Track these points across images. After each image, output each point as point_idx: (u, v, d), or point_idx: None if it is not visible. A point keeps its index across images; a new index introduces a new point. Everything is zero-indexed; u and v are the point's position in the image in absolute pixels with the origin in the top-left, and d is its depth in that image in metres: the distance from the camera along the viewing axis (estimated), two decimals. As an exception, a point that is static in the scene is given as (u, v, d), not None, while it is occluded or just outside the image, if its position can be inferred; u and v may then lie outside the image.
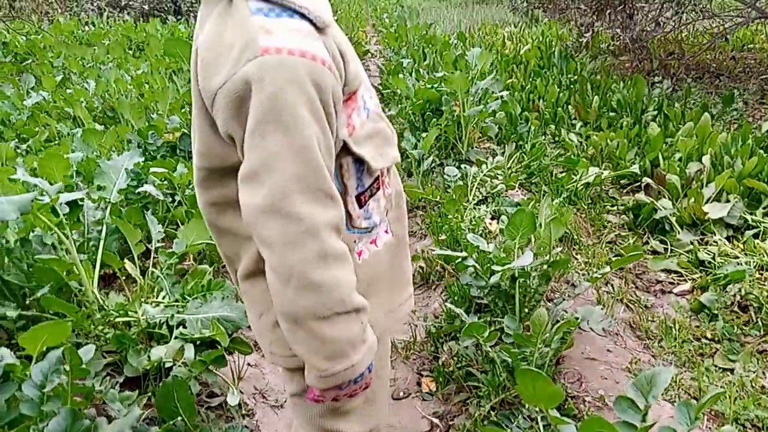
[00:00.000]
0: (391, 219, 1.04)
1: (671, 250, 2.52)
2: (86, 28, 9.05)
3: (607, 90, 4.62)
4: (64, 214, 1.69)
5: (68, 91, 4.60)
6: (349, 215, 0.94)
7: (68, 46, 6.72)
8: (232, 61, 0.79)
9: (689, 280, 2.33)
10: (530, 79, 5.10)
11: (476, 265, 1.77)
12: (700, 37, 6.49)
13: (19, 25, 7.96)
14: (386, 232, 1.03)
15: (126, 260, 1.86)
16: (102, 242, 1.81)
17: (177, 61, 5.10)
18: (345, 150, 0.90)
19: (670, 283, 2.35)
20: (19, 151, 3.42)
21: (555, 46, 6.44)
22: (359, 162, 0.93)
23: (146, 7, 13.27)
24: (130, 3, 13.24)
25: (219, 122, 0.83)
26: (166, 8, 13.47)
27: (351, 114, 0.90)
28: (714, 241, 2.48)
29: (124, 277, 1.93)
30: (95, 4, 11.76)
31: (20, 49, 6.90)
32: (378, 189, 0.98)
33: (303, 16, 0.82)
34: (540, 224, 1.88)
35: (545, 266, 1.75)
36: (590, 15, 6.08)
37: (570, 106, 4.32)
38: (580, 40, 6.18)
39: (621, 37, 5.61)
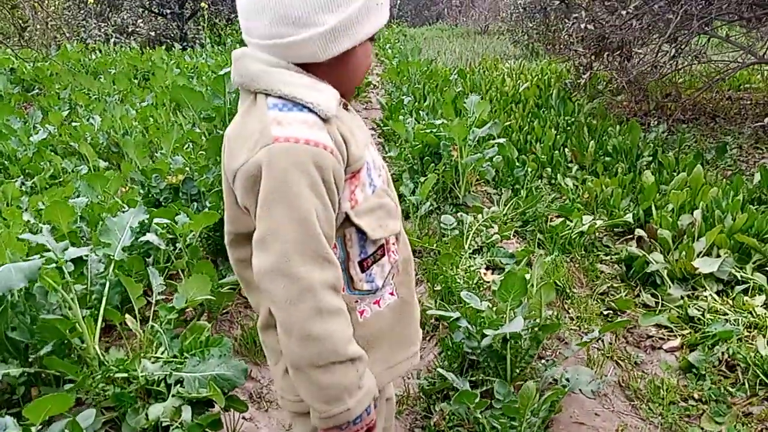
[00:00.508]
0: (396, 282, 1.16)
1: (662, 304, 2.56)
2: (93, 55, 9.18)
3: (603, 133, 4.70)
4: (69, 272, 1.73)
5: (74, 125, 4.69)
6: (351, 278, 1.08)
7: (75, 75, 6.84)
8: (249, 147, 0.96)
9: (679, 335, 2.37)
10: (528, 120, 5.19)
11: (468, 326, 1.82)
12: (696, 80, 6.60)
13: (27, 53, 8.09)
14: (391, 294, 1.15)
15: (127, 314, 1.91)
16: (104, 297, 1.85)
17: (185, 104, 5.20)
18: (347, 221, 1.05)
19: (660, 338, 2.39)
20: (24, 188, 3.49)
21: (554, 86, 6.56)
22: (361, 232, 1.06)
23: (153, 34, 13.49)
24: (137, 30, 13.45)
25: (238, 196, 1.01)
26: (172, 35, 13.68)
27: (354, 190, 1.04)
28: (704, 296, 2.52)
29: (125, 331, 1.97)
30: (102, 31, 11.94)
31: (27, 76, 7.02)
32: (382, 256, 1.11)
33: (310, 109, 0.99)
34: (531, 285, 1.93)
35: (536, 329, 1.79)
36: (588, 56, 6.20)
37: (566, 149, 4.40)
38: (578, 80, 6.28)
39: (618, 80, 5.71)
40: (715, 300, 2.49)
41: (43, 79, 6.90)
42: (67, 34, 10.54)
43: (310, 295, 0.94)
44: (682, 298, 2.54)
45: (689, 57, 5.86)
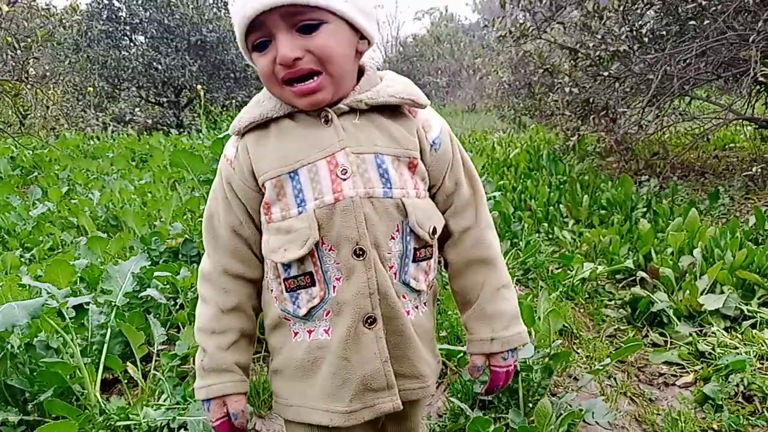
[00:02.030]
0: (334, 323, 1.06)
1: (671, 342, 2.53)
2: (91, 142, 9.39)
3: (596, 189, 4.77)
4: (70, 318, 1.71)
5: (73, 201, 4.73)
6: (276, 294, 1.10)
7: (74, 159, 6.97)
8: None
9: (691, 371, 2.33)
10: (521, 181, 5.28)
11: (478, 359, 1.78)
12: (682, 137, 6.78)
13: (27, 140, 8.27)
14: (326, 332, 1.07)
15: (128, 363, 1.86)
16: (105, 345, 1.82)
17: (179, 171, 5.29)
18: None
19: (673, 375, 2.34)
20: (23, 260, 3.48)
21: (543, 150, 6.71)
22: None
23: (149, 121, 13.86)
24: (134, 117, 13.83)
25: None
26: (168, 122, 14.07)
27: (269, 205, 1.07)
28: (712, 332, 2.49)
29: (126, 381, 1.92)
30: (100, 120, 12.26)
31: (27, 163, 7.14)
32: (310, 284, 1.06)
33: None
34: (539, 317, 1.91)
35: (547, 359, 1.76)
36: (575, 120, 6.39)
37: (561, 205, 4.45)
38: (567, 143, 6.44)
39: (606, 140, 5.86)
40: (724, 335, 2.46)
41: (42, 164, 7.03)
42: (66, 125, 10.81)
43: (198, 277, 1.17)
44: (690, 335, 2.50)
45: (672, 116, 6.06)
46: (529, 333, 1.83)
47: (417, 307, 1.14)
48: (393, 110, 1.11)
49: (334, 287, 1.05)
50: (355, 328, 1.05)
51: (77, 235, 3.99)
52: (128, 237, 3.63)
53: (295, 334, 1.09)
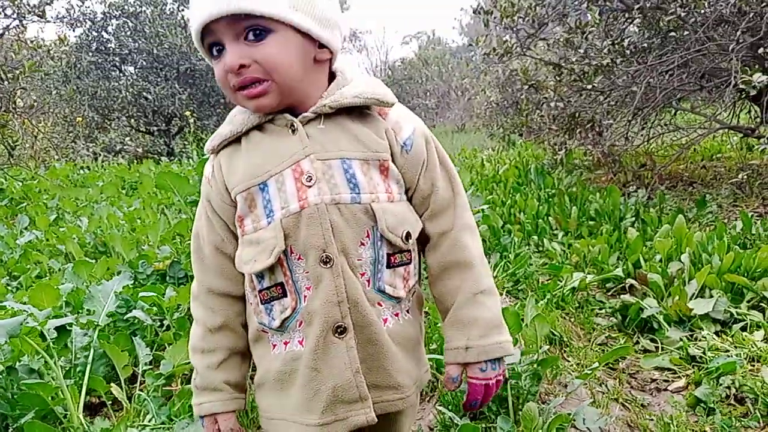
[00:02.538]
0: (306, 334, 1.05)
1: (662, 347, 2.52)
2: (81, 171, 9.38)
3: (584, 201, 4.79)
4: (51, 339, 1.69)
5: (61, 229, 4.71)
6: (254, 306, 1.11)
7: (63, 188, 6.95)
8: None
9: (683, 376, 2.31)
10: (510, 195, 5.30)
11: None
12: (669, 149, 6.83)
13: (16, 171, 8.25)
14: (300, 343, 1.06)
15: (113, 384, 1.84)
16: (89, 367, 1.80)
17: (169, 197, 5.28)
18: None
19: (665, 380, 2.33)
20: (9, 288, 3.44)
21: (531, 165, 6.74)
22: None
23: (140, 150, 13.87)
24: (125, 147, 13.84)
25: None
26: (159, 150, 14.08)
27: (242, 217, 1.09)
28: (703, 337, 2.48)
29: (110, 402, 1.89)
30: (90, 150, 12.27)
31: (16, 194, 7.11)
32: (282, 295, 1.06)
33: None
34: (525, 324, 1.90)
35: (535, 365, 1.74)
36: (562, 134, 6.43)
37: (550, 218, 4.46)
38: (555, 157, 6.48)
39: (593, 153, 5.90)
40: (715, 338, 2.45)
41: (31, 194, 7.00)
42: (56, 156, 10.80)
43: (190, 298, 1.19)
44: (681, 339, 2.50)
45: (658, 128, 6.11)
46: (516, 340, 1.82)
47: (397, 315, 1.11)
48: (360, 113, 1.10)
49: (305, 297, 1.04)
50: (324, 338, 1.03)
51: (65, 262, 3.96)
52: (116, 261, 3.60)
53: (273, 346, 1.10)
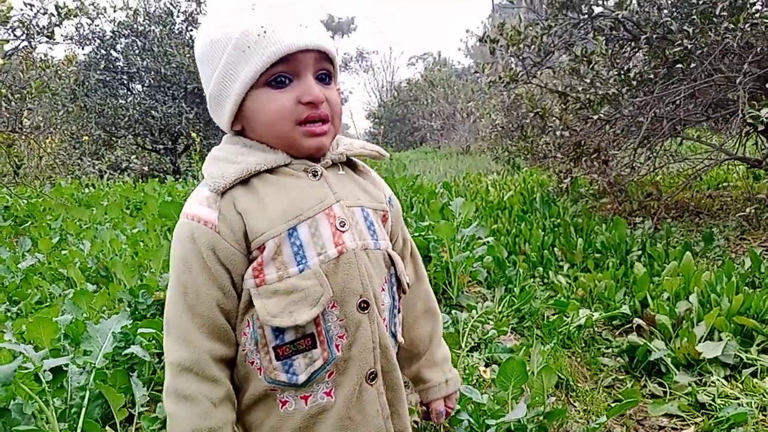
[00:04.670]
0: (338, 384, 1.01)
1: (670, 392, 2.46)
2: (86, 190, 9.39)
3: (590, 232, 4.75)
4: (47, 382, 1.65)
5: (63, 252, 4.68)
6: (263, 365, 1.00)
7: (67, 208, 6.94)
8: None
9: (692, 424, 2.26)
10: (515, 224, 5.26)
11: (470, 419, 1.72)
12: (675, 178, 6.80)
13: (21, 189, 8.26)
14: (327, 394, 1.02)
15: (107, 428, 1.80)
16: (84, 409, 1.76)
17: (173, 219, 5.26)
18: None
19: (673, 428, 2.27)
20: (9, 314, 3.41)
21: (537, 192, 6.72)
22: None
23: (146, 168, 13.92)
24: (131, 165, 13.90)
25: None
26: (165, 168, 14.13)
27: (262, 266, 0.99)
28: (712, 382, 2.43)
29: (104, 446, 1.85)
30: (96, 168, 12.31)
31: (20, 212, 7.11)
32: (310, 347, 0.99)
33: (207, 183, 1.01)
34: (532, 372, 1.85)
35: (541, 417, 1.70)
36: (567, 162, 6.42)
37: (556, 249, 4.42)
38: (560, 185, 6.45)
39: (599, 182, 5.87)
40: (724, 384, 2.39)
41: (35, 213, 6.99)
42: (62, 173, 10.84)
43: (169, 372, 0.98)
44: (689, 384, 2.44)
45: (665, 158, 6.09)
46: (521, 391, 1.78)
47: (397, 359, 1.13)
48: (355, 166, 1.13)
49: (338, 346, 1.00)
50: (359, 386, 1.01)
51: (66, 287, 3.93)
52: (117, 288, 3.57)
53: (283, 403, 1.02)
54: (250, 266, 0.99)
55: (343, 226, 1.01)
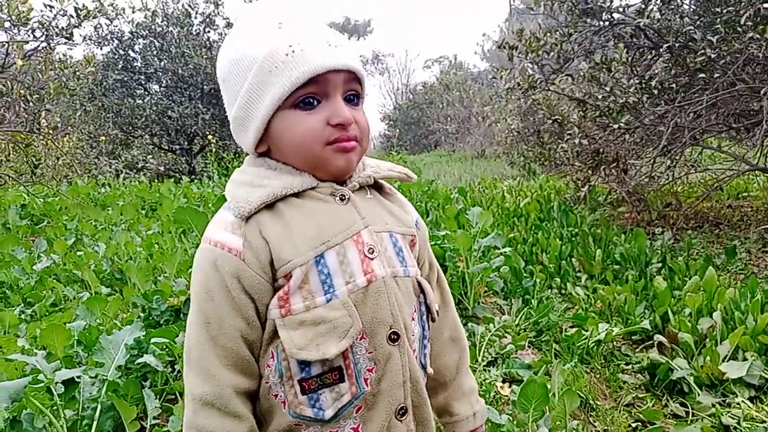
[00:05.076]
0: (365, 419, 0.96)
1: (693, 413, 2.40)
2: (102, 189, 9.43)
3: (609, 242, 4.68)
4: (58, 395, 1.63)
5: (79, 254, 4.69)
6: (287, 399, 0.94)
7: (83, 208, 6.97)
8: None
9: (716, 447, 2.19)
10: (532, 232, 5.20)
11: (488, 441, 1.68)
12: (695, 189, 6.70)
13: (38, 188, 8.32)
14: (355, 430, 0.96)
15: (119, 441, 1.77)
16: (95, 423, 1.73)
17: (188, 226, 5.25)
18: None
19: (697, 451, 2.21)
20: (23, 316, 3.41)
21: (554, 199, 6.64)
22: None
23: (162, 168, 13.99)
24: (147, 165, 13.97)
25: None
26: (180, 169, 14.18)
27: (288, 295, 0.93)
28: (737, 404, 2.36)
29: (115, 460, 1.82)
30: (113, 167, 12.38)
31: (37, 211, 7.15)
32: (337, 381, 0.93)
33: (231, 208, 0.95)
34: (553, 393, 1.80)
35: (561, 441, 1.65)
36: (585, 170, 6.34)
37: (573, 259, 4.35)
38: (578, 194, 6.37)
39: (618, 191, 5.79)
40: (750, 406, 2.33)
41: (51, 212, 7.03)
42: (79, 172, 10.91)
43: (190, 407, 0.92)
44: (713, 406, 2.38)
45: (684, 167, 5.99)
46: (542, 413, 1.73)
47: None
48: (381, 188, 1.08)
49: (366, 380, 0.94)
50: (389, 422, 0.96)
51: (81, 290, 3.93)
52: (131, 293, 3.56)
53: None
54: (275, 295, 0.93)
55: (371, 253, 0.96)
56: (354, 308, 0.93)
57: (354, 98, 0.98)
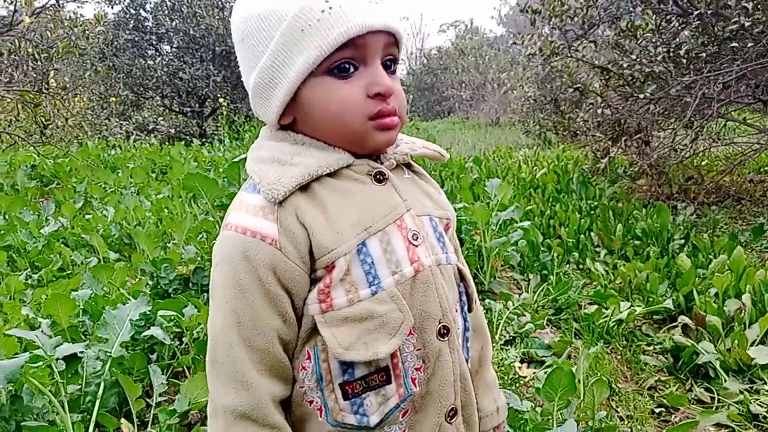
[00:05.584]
0: (412, 423, 0.86)
1: (719, 399, 2.30)
2: (113, 151, 9.35)
3: (629, 217, 4.54)
4: (59, 372, 1.55)
5: (87, 217, 4.63)
6: (327, 405, 0.83)
7: (93, 170, 6.89)
8: None
9: (744, 437, 2.10)
10: (549, 204, 5.06)
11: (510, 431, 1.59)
12: (717, 163, 6.51)
13: (48, 149, 8.24)
14: None
15: (123, 419, 1.70)
16: (98, 400, 1.66)
17: (198, 192, 5.16)
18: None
19: (723, 440, 2.12)
20: (30, 281, 3.36)
21: (572, 171, 6.49)
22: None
23: (172, 130, 13.89)
24: (157, 127, 13.87)
25: None
26: (191, 131, 14.07)
27: (330, 288, 0.82)
28: (766, 391, 2.26)
29: (120, 438, 1.76)
30: (123, 129, 12.29)
31: (47, 172, 7.08)
32: (384, 383, 0.83)
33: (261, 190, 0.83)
34: (578, 380, 1.70)
35: (588, 433, 1.56)
36: (605, 141, 6.15)
37: (592, 233, 4.23)
38: (597, 165, 6.21)
39: (640, 163, 5.62)
40: (780, 395, 2.23)
41: (61, 174, 6.96)
42: (89, 132, 10.82)
43: (221, 421, 0.80)
44: (741, 392, 2.27)
45: (708, 140, 5.80)
46: (568, 402, 1.64)
47: None
48: (408, 167, 0.96)
49: (414, 380, 0.84)
50: (439, 426, 0.86)
51: (88, 255, 3.87)
52: (140, 259, 3.50)
53: None
54: (313, 289, 0.82)
55: (416, 239, 0.86)
56: (404, 301, 0.83)
57: (391, 64, 0.86)
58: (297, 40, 0.79)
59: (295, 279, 0.81)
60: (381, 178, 0.87)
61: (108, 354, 1.77)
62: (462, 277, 0.94)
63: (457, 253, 1.00)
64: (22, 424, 1.49)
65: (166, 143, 11.84)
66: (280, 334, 0.81)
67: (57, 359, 1.56)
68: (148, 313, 2.24)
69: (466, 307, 0.95)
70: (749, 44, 4.56)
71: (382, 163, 0.89)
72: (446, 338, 0.86)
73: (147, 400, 1.84)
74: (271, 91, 0.84)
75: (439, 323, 0.85)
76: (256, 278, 0.79)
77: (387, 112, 0.83)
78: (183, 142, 10.98)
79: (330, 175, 0.84)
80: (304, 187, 0.83)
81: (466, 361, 0.94)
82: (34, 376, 1.44)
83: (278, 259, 0.80)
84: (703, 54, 4.94)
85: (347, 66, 0.81)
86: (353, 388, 0.82)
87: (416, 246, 0.85)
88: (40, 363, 1.44)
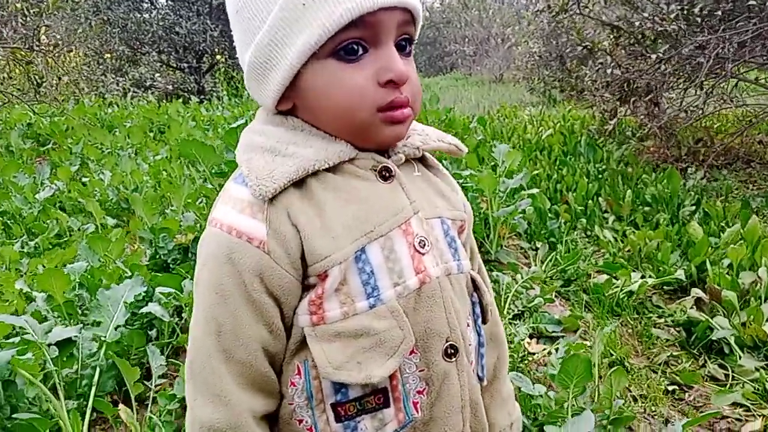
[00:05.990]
0: None
1: (733, 377, 2.25)
2: (109, 110, 9.15)
3: (638, 181, 4.44)
4: (52, 358, 1.48)
5: (84, 179, 4.52)
6: (317, 426, 0.76)
7: (89, 129, 6.73)
8: None
9: (759, 416, 2.05)
10: (556, 168, 4.95)
11: (524, 419, 1.53)
12: (727, 124, 6.36)
13: (43, 108, 8.05)
14: None
15: (121, 405, 1.64)
16: (94, 387, 1.59)
17: (194, 159, 5.04)
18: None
19: (737, 419, 2.06)
20: (26, 249, 3.28)
21: (579, 132, 6.34)
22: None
23: (170, 87, 13.61)
24: (154, 83, 13.59)
25: None
26: (189, 88, 13.80)
27: (322, 299, 0.73)
28: (782, 368, 2.21)
29: (118, 424, 1.70)
30: (120, 85, 12.04)
31: (43, 131, 6.92)
32: (381, 406, 0.75)
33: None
34: (594, 363, 1.64)
35: (606, 423, 1.50)
36: (613, 101, 5.99)
37: (601, 199, 4.13)
38: (604, 127, 6.06)
39: (649, 125, 5.47)
40: (796, 373, 2.17)
41: (57, 133, 6.81)
42: (86, 89, 10.58)
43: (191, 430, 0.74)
44: (757, 370, 2.22)
45: (720, 101, 5.64)
46: (584, 389, 1.57)
47: None
48: (421, 160, 0.86)
49: (416, 404, 0.76)
50: None
51: (85, 220, 3.78)
52: (137, 225, 3.41)
53: None
54: (305, 298, 0.74)
55: (423, 247, 0.76)
56: (405, 317, 0.74)
57: (406, 45, 0.75)
58: (298, 16, 0.68)
59: (285, 286, 0.73)
60: (387, 174, 0.77)
61: (102, 339, 1.70)
62: (476, 287, 0.84)
63: (472, 257, 0.90)
64: (13, 416, 1.43)
65: (164, 101, 11.60)
66: (266, 345, 0.74)
67: (49, 345, 1.49)
68: (146, 288, 2.17)
69: (480, 320, 0.85)
70: (767, 1, 4.37)
71: (389, 157, 0.79)
72: (454, 359, 0.77)
73: (145, 383, 1.77)
74: (267, 72, 0.73)
75: (446, 342, 0.76)
76: (240, 284, 0.71)
77: (399, 103, 0.72)
78: (181, 99, 10.77)
79: (329, 169, 0.75)
80: (298, 183, 0.73)
81: (481, 380, 0.85)
82: (24, 366, 1.37)
83: (266, 264, 0.71)
84: (718, 12, 4.75)
85: (355, 47, 0.70)
86: (346, 410, 0.74)
87: (423, 254, 0.76)
88: (30, 355, 1.36)
